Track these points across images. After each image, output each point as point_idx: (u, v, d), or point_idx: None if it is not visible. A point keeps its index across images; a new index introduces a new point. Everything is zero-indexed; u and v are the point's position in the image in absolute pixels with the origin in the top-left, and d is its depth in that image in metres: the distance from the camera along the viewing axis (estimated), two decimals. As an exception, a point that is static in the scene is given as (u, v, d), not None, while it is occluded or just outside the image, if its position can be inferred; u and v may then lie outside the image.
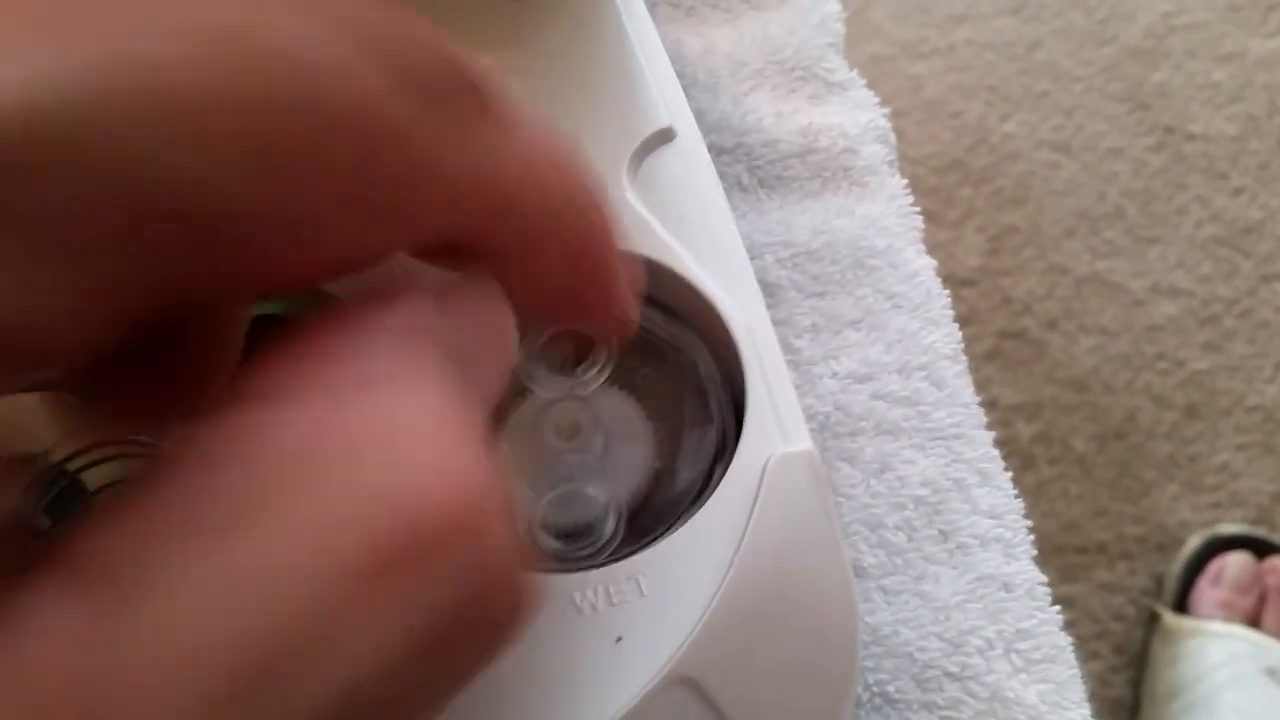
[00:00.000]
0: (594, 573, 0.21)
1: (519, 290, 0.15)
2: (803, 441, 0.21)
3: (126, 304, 0.10)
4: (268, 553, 0.09)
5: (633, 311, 0.17)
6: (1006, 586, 0.24)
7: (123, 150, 0.09)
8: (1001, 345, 0.97)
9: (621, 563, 0.21)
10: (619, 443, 0.23)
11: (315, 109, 0.11)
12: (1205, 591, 0.86)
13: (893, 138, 0.29)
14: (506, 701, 0.19)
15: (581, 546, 0.21)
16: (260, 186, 0.10)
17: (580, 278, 0.16)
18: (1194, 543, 0.90)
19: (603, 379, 0.21)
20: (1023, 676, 0.23)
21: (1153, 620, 0.88)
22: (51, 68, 0.09)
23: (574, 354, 0.22)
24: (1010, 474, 0.26)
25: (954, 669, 0.23)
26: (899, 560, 0.25)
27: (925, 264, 0.27)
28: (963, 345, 0.27)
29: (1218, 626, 0.83)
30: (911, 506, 0.25)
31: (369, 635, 0.09)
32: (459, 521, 0.10)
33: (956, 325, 0.27)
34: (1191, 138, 1.07)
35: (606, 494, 0.21)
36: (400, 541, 0.10)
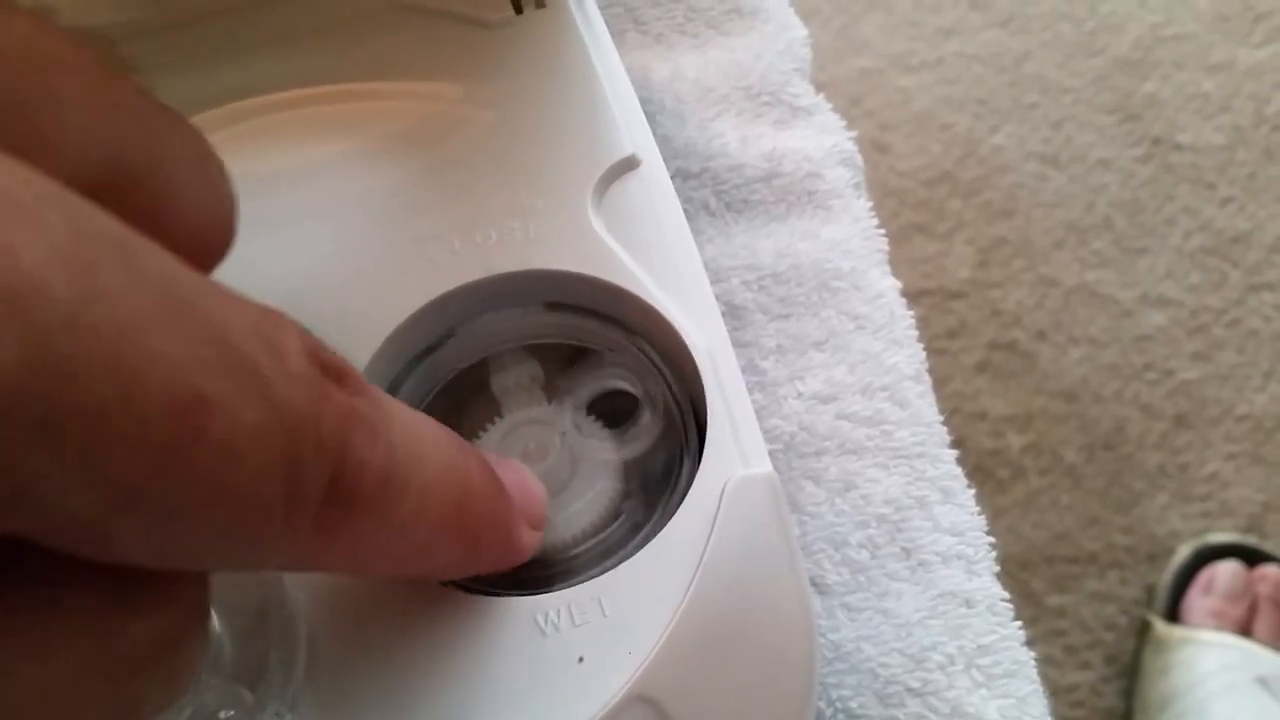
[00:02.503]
0: (557, 594, 0.21)
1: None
2: (762, 464, 0.22)
3: None
4: None
5: (525, 551, 0.19)
6: (968, 603, 0.25)
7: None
8: (992, 357, 0.97)
9: (585, 584, 0.21)
10: (585, 465, 0.24)
11: (205, 475, 0.10)
12: (1196, 600, 0.86)
13: (859, 160, 0.30)
14: (468, 721, 0.20)
15: None
16: (113, 524, 0.10)
17: (470, 545, 0.17)
18: (1184, 552, 0.90)
19: (650, 440, 0.23)
20: (983, 692, 0.24)
21: (1144, 630, 0.88)
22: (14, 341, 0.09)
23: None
24: (973, 491, 0.26)
25: (915, 684, 0.24)
26: (862, 578, 0.25)
27: (889, 285, 0.27)
28: (927, 365, 0.27)
29: (1209, 635, 0.83)
30: (875, 524, 0.25)
31: None
32: None
33: (920, 345, 0.27)
34: (1179, 148, 1.08)
35: None
36: None
